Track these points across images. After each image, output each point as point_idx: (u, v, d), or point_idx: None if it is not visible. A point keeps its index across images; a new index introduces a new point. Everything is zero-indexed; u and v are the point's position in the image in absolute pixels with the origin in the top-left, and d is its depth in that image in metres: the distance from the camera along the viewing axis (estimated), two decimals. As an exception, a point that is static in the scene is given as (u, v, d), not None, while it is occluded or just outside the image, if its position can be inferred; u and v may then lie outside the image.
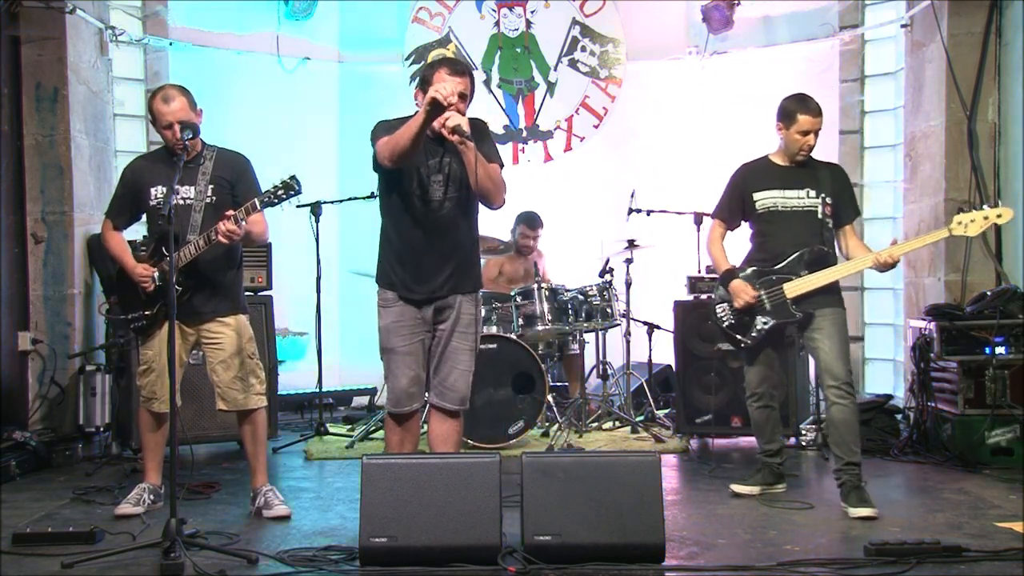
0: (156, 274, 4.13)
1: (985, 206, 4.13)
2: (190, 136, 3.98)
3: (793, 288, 4.26)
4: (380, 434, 5.64)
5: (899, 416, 5.84)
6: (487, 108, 7.63)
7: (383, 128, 3.74)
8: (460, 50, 7.80)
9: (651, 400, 6.26)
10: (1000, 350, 5.09)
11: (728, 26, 7.30)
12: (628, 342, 6.31)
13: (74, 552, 3.43)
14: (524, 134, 7.89)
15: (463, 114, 3.57)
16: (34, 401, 5.64)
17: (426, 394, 3.93)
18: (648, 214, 6.40)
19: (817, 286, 4.23)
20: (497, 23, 7.86)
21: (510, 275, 6.89)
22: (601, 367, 6.37)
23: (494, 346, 5.65)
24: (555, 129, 7.91)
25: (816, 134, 4.31)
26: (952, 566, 3.29)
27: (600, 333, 6.41)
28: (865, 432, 4.68)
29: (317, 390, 6.24)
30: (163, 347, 3.95)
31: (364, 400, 7.38)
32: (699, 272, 6.01)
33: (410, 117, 3.65)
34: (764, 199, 4.36)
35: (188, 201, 4.10)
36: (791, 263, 4.29)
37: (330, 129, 7.76)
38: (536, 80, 7.90)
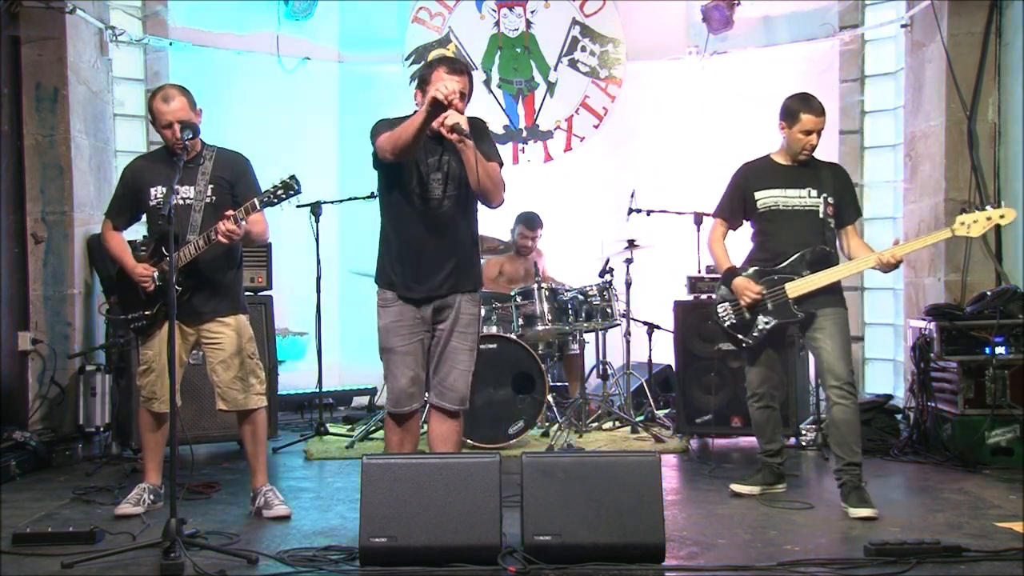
0: (156, 274, 4.13)
1: (988, 207, 4.13)
2: (190, 136, 3.98)
3: (795, 288, 4.25)
4: (380, 434, 5.64)
5: (899, 416, 5.84)
6: (487, 108, 7.63)
7: (384, 125, 3.74)
8: (460, 50, 7.80)
9: (651, 400, 6.26)
10: (1000, 350, 5.09)
11: (728, 26, 7.30)
12: (628, 342, 6.31)
13: (74, 552, 3.43)
14: (524, 134, 7.89)
15: (462, 113, 3.57)
16: (34, 401, 5.64)
17: (426, 394, 3.93)
18: (648, 214, 6.40)
19: (819, 286, 4.23)
20: (497, 23, 7.86)
21: (510, 275, 6.89)
22: (601, 367, 6.37)
23: (494, 346, 5.65)
24: (555, 129, 7.91)
25: (819, 134, 4.31)
26: (952, 566, 3.29)
27: (600, 333, 6.41)
28: (865, 432, 4.67)
29: (317, 390, 6.24)
30: (163, 347, 3.95)
31: (364, 400, 7.38)
32: (699, 272, 6.01)
33: (410, 116, 3.65)
34: (765, 198, 4.36)
35: (188, 201, 4.10)
36: (793, 263, 4.28)
37: (330, 129, 7.76)
38: (536, 80, 7.90)
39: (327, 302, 6.26)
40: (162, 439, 4.27)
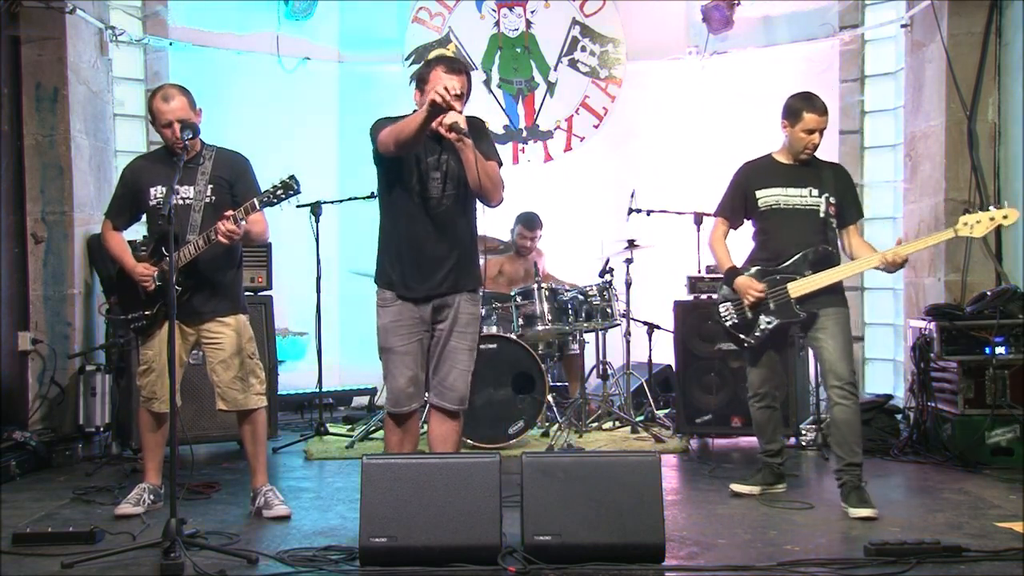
0: (156, 274, 4.13)
1: (992, 207, 4.12)
2: (190, 136, 3.98)
3: (797, 288, 4.25)
4: (380, 434, 5.63)
5: (899, 416, 5.83)
6: (487, 108, 7.63)
7: (384, 123, 3.74)
8: (460, 50, 7.79)
9: (651, 400, 6.26)
10: (1000, 350, 5.09)
11: (728, 26, 7.30)
12: (628, 342, 6.31)
13: (74, 552, 3.43)
14: (524, 134, 7.89)
15: (460, 112, 3.57)
16: (34, 401, 5.64)
17: (425, 394, 3.93)
18: (648, 214, 6.40)
19: (821, 286, 4.22)
20: (497, 23, 7.86)
21: (510, 275, 6.89)
22: (601, 367, 6.36)
23: (494, 346, 5.64)
24: (555, 129, 7.90)
25: (821, 133, 4.31)
26: (952, 566, 3.29)
27: (600, 333, 6.41)
28: (865, 432, 4.67)
29: (317, 390, 6.24)
30: (163, 347, 3.95)
31: (364, 400, 7.38)
32: (699, 272, 6.01)
33: (410, 115, 3.66)
34: (766, 197, 4.36)
35: (187, 201, 4.10)
36: (796, 262, 4.28)
37: (330, 129, 7.76)
38: (536, 80, 7.90)
39: (327, 302, 6.26)
40: (162, 439, 4.27)
